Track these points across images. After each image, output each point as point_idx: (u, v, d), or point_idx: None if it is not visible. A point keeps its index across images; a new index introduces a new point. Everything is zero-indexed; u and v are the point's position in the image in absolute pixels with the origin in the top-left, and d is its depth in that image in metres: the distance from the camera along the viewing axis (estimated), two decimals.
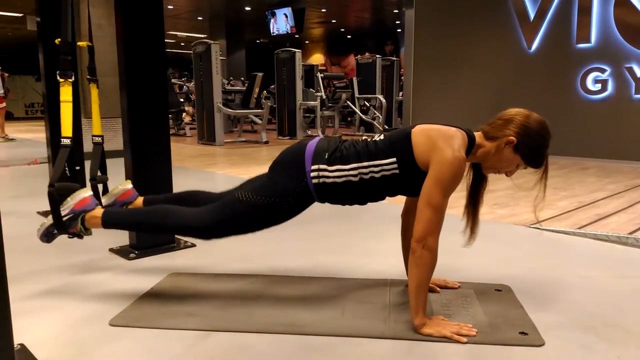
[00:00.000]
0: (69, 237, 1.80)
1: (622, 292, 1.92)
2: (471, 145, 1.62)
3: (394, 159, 1.58)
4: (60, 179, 1.78)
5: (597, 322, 1.64)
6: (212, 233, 1.71)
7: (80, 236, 1.80)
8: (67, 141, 1.88)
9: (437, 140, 1.55)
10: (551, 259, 2.35)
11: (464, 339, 1.50)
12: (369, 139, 1.67)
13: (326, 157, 1.62)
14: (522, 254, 2.44)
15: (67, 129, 1.89)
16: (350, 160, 1.60)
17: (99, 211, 1.77)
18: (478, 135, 1.66)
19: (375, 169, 1.59)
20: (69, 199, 1.76)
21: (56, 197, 1.74)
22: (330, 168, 1.60)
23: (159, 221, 1.74)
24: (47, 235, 1.77)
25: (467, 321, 1.61)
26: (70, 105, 1.93)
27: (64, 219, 1.74)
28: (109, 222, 1.76)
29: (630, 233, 2.78)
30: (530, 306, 1.75)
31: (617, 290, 1.95)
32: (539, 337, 1.52)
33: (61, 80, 1.93)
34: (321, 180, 1.61)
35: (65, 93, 1.93)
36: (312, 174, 1.61)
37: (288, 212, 1.66)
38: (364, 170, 1.60)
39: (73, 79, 1.96)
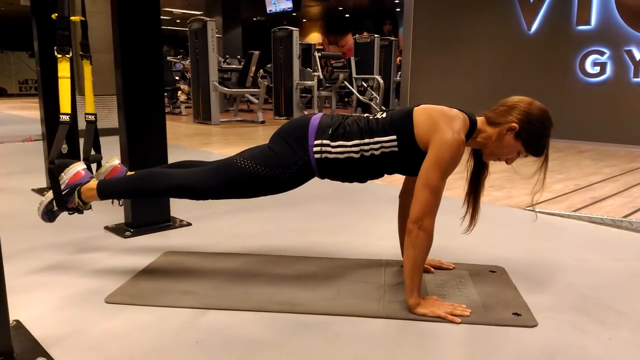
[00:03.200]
0: (70, 214, 1.81)
1: (615, 275, 1.94)
2: (472, 128, 1.62)
3: (394, 137, 1.58)
4: (59, 155, 1.78)
5: (589, 304, 1.66)
6: (208, 194, 1.69)
7: (80, 211, 1.79)
8: (66, 117, 1.87)
9: (438, 121, 1.54)
10: (546, 241, 2.36)
11: (458, 319, 1.51)
12: (371, 116, 1.67)
13: (330, 132, 1.61)
14: (516, 236, 2.45)
15: (65, 105, 1.87)
16: (352, 136, 1.60)
17: (93, 183, 1.77)
18: (480, 120, 1.65)
19: (375, 146, 1.59)
20: (62, 174, 1.77)
21: (56, 173, 1.75)
22: (332, 144, 1.60)
23: (154, 184, 1.73)
24: (48, 214, 1.78)
25: (461, 302, 1.63)
26: (69, 81, 1.90)
27: (63, 193, 1.75)
28: (104, 192, 1.75)
29: (625, 216, 2.80)
30: (524, 287, 1.77)
31: (611, 272, 1.96)
32: (532, 318, 1.54)
33: (59, 56, 1.90)
34: (323, 155, 1.60)
35: (64, 69, 1.90)
36: (315, 149, 1.61)
37: (286, 184, 1.66)
38: (365, 147, 1.59)
39: (71, 54, 1.93)
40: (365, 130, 1.60)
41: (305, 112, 9.63)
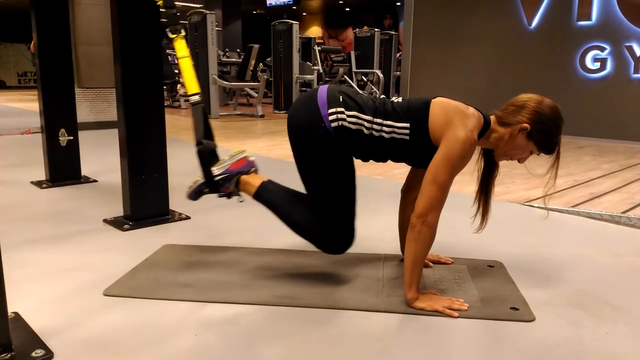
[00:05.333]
0: (219, 196, 1.80)
1: (613, 270, 1.94)
2: (485, 128, 1.61)
3: (407, 125, 1.57)
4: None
5: (587, 299, 1.66)
6: (334, 240, 1.69)
7: (230, 196, 1.79)
8: (196, 97, 1.81)
9: (454, 117, 1.54)
10: (544, 236, 2.37)
11: (456, 314, 1.51)
12: (387, 98, 1.66)
13: (341, 100, 1.60)
14: (515, 231, 2.46)
15: (192, 85, 1.81)
16: (366, 111, 1.59)
17: (257, 181, 1.76)
18: (492, 119, 1.64)
19: (387, 129, 1.58)
20: (226, 157, 1.76)
21: (206, 154, 1.74)
22: (347, 112, 1.59)
23: (303, 223, 1.72)
24: (197, 194, 1.78)
25: (459, 296, 1.63)
26: (189, 59, 1.81)
27: (217, 178, 1.74)
28: (261, 195, 1.75)
29: (624, 212, 2.80)
30: (521, 282, 1.77)
31: (608, 268, 1.97)
32: (530, 313, 1.54)
33: (173, 35, 1.83)
34: (340, 123, 1.58)
35: (181, 48, 1.82)
36: (331, 117, 1.58)
37: (345, 164, 1.64)
38: (376, 127, 1.58)
39: (184, 33, 1.86)
40: (379, 110, 1.59)
41: None
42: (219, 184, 1.75)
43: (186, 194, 1.80)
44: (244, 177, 1.77)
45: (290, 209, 1.75)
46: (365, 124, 1.58)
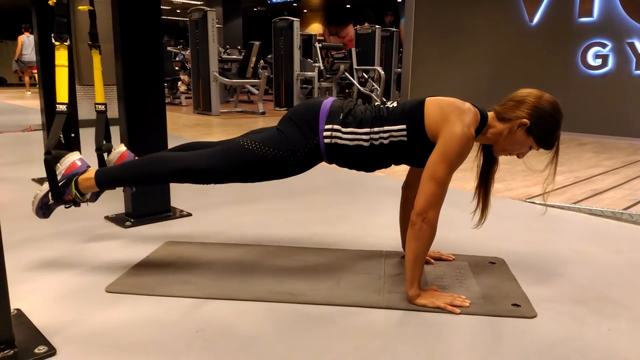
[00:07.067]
0: (66, 207, 1.76)
1: (614, 267, 1.94)
2: (483, 124, 1.61)
3: (404, 126, 1.57)
4: (56, 146, 1.75)
5: (589, 295, 1.66)
6: (212, 177, 1.65)
7: (77, 203, 1.75)
8: (63, 107, 1.84)
9: (449, 114, 1.54)
10: (546, 233, 2.37)
11: (457, 310, 1.52)
12: (382, 105, 1.66)
13: (341, 117, 1.60)
14: (516, 227, 2.46)
15: (62, 94, 1.84)
16: (364, 124, 1.59)
17: (91, 172, 1.72)
18: (490, 115, 1.64)
19: (385, 135, 1.58)
20: (58, 164, 1.72)
21: (53, 164, 1.71)
22: (344, 129, 1.59)
23: (154, 169, 1.68)
24: (43, 208, 1.72)
25: (460, 293, 1.63)
26: (66, 69, 1.87)
27: (60, 185, 1.72)
28: (102, 180, 1.71)
29: (625, 209, 2.80)
30: (523, 279, 1.77)
31: (610, 264, 1.97)
32: (532, 309, 1.54)
33: (57, 43, 1.87)
34: (333, 140, 1.59)
35: (61, 57, 1.87)
36: (325, 133, 1.59)
37: (294, 168, 1.64)
38: (375, 136, 1.58)
39: (69, 42, 1.91)
40: (376, 119, 1.59)
41: None
42: (61, 191, 1.71)
43: (32, 211, 1.74)
44: (79, 177, 1.72)
45: (137, 170, 1.72)
46: (364, 136, 1.59)
